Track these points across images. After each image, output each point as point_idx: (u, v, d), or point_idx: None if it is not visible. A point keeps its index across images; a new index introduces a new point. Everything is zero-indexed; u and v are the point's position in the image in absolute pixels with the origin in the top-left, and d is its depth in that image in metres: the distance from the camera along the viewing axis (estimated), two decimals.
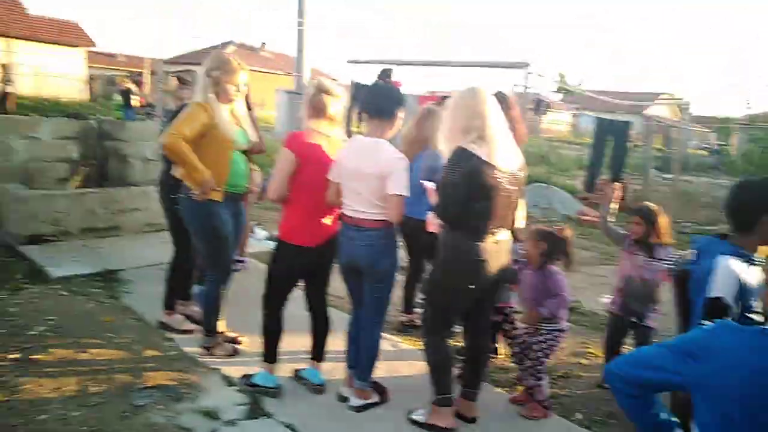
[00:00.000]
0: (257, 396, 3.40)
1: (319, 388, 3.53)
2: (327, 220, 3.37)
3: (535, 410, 3.50)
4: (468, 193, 2.88)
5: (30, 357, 3.61)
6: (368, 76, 14.73)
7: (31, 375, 3.40)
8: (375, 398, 3.44)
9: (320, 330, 3.59)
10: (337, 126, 3.39)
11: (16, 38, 28.72)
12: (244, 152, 3.81)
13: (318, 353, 3.61)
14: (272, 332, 3.49)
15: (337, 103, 3.32)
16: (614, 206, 3.89)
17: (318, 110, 3.28)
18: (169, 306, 4.27)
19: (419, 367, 3.95)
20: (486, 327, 3.41)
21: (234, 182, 3.68)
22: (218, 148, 3.57)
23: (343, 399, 3.45)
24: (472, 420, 3.31)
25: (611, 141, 10.53)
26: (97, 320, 4.25)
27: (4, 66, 20.24)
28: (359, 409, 3.36)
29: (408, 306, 4.72)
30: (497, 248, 3.03)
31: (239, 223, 3.92)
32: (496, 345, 4.18)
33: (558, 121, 31.82)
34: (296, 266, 3.41)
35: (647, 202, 3.88)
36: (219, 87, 3.56)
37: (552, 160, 18.91)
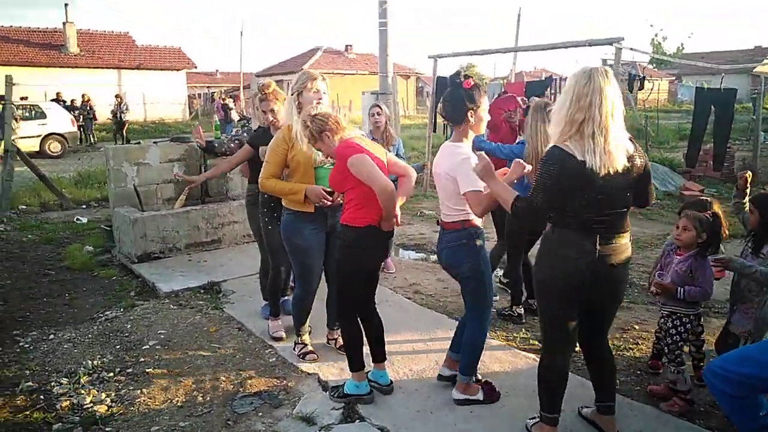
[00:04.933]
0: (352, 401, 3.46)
1: (386, 389, 3.56)
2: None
3: (676, 404, 3.35)
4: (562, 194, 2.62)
5: (144, 371, 3.90)
6: (451, 69, 14.54)
7: (144, 387, 3.67)
8: (478, 396, 3.41)
9: (372, 333, 3.56)
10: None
11: (127, 69, 31.14)
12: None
13: (376, 355, 3.59)
14: (351, 340, 3.49)
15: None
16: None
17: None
18: (274, 314, 4.47)
19: (513, 365, 3.91)
20: (604, 335, 3.03)
21: None
22: (301, 166, 3.71)
23: (443, 378, 3.57)
24: None
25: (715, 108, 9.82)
26: (203, 331, 4.53)
27: (118, 97, 21.76)
28: (459, 402, 3.38)
29: None
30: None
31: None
32: None
33: (654, 90, 29.78)
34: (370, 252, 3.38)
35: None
36: (301, 97, 3.72)
37: (650, 132, 17.88)
